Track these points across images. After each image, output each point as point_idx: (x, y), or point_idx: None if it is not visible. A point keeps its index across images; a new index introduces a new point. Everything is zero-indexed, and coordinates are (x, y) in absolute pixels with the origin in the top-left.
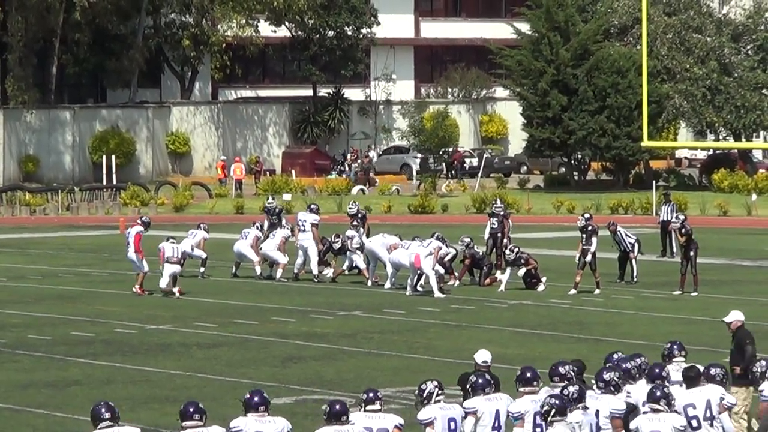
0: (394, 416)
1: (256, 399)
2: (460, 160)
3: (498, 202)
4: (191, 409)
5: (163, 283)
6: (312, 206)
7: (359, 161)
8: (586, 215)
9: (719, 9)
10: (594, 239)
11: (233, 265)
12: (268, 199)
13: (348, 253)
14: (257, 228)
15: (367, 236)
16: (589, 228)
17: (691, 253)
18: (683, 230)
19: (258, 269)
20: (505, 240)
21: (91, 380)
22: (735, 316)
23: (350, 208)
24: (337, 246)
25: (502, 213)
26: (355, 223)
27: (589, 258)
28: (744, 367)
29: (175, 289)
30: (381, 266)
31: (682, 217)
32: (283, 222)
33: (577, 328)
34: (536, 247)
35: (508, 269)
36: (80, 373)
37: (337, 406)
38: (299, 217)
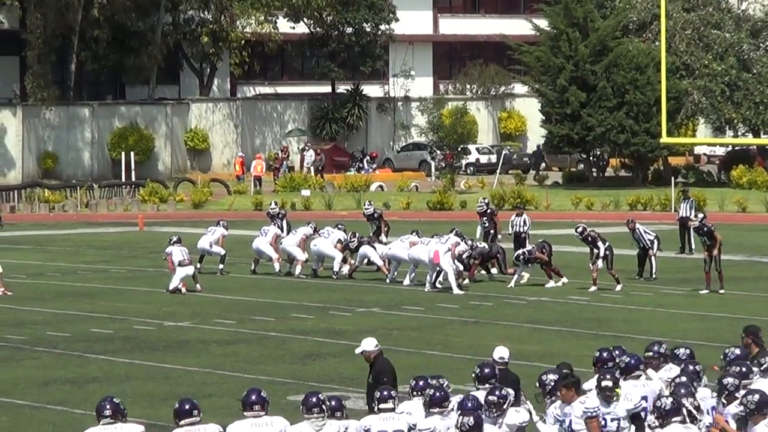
0: (406, 416)
1: (252, 398)
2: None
3: (480, 200)
4: (187, 407)
5: (172, 285)
6: (340, 226)
7: (288, 159)
8: (579, 228)
9: (738, 5)
10: (599, 244)
11: (252, 262)
12: (271, 204)
13: (363, 249)
14: (277, 226)
15: (386, 235)
16: (589, 238)
17: (715, 252)
18: (704, 229)
19: (277, 266)
20: (498, 236)
21: (109, 377)
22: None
23: (366, 209)
24: (353, 245)
25: (488, 210)
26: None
27: (600, 263)
28: None
29: (197, 286)
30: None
31: (701, 215)
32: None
33: (596, 324)
34: (555, 244)
35: (521, 268)
36: (99, 370)
37: (313, 398)
38: (327, 228)
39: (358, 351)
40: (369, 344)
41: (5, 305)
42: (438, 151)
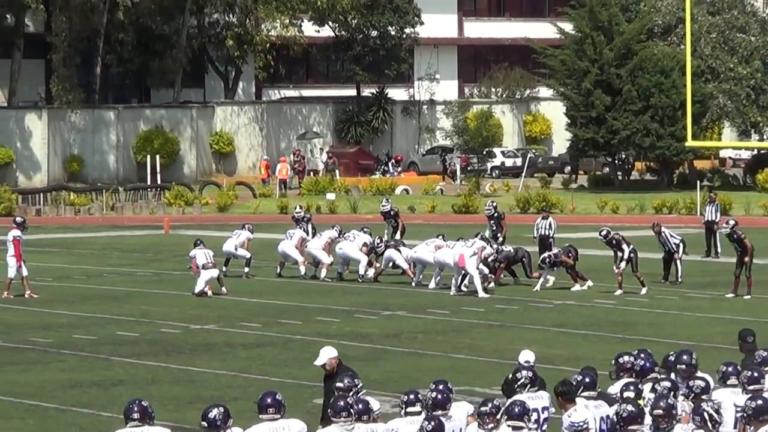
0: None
1: (268, 401)
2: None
3: (488, 203)
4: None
5: (198, 288)
6: (365, 229)
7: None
8: (603, 232)
9: (763, 8)
10: (623, 247)
11: (278, 265)
12: (296, 208)
13: (388, 252)
14: (302, 229)
15: (401, 234)
16: (613, 241)
17: (746, 260)
18: (735, 236)
19: (302, 269)
20: (501, 240)
21: (135, 380)
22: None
23: (383, 206)
24: (380, 249)
25: (496, 214)
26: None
27: (623, 266)
28: None
29: (223, 289)
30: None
31: (732, 221)
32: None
33: (621, 328)
34: (580, 247)
35: (546, 272)
36: (125, 373)
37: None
38: (352, 232)
39: (318, 362)
40: (328, 354)
41: (31, 308)
42: (451, 156)
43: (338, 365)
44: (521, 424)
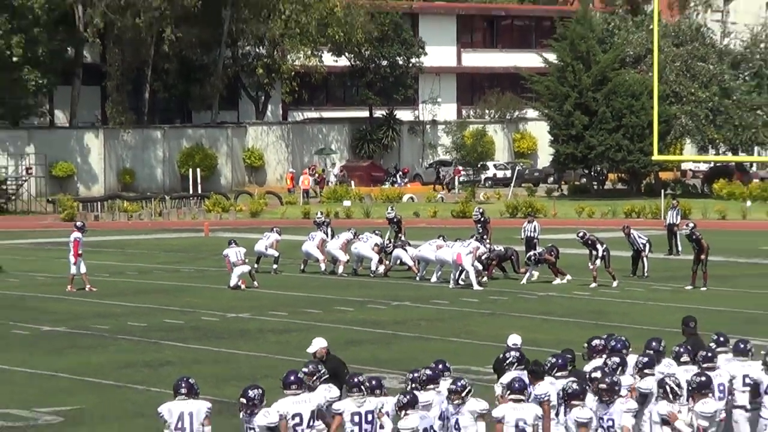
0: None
1: (291, 378)
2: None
3: (476, 209)
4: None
5: (232, 282)
6: (377, 232)
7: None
8: (580, 234)
9: (720, 40)
10: (598, 246)
11: (301, 263)
12: (317, 213)
13: (396, 251)
14: (323, 232)
15: (405, 235)
16: (589, 242)
17: (703, 257)
18: (693, 236)
19: (323, 266)
20: (487, 243)
21: (181, 361)
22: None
23: (388, 213)
24: (389, 249)
25: (482, 219)
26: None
27: (599, 263)
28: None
29: (255, 283)
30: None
31: (691, 224)
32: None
33: (596, 316)
34: (561, 247)
35: (531, 268)
36: (172, 355)
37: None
38: (365, 234)
39: (310, 350)
40: (319, 344)
41: (91, 300)
42: (446, 168)
43: (327, 353)
44: (521, 397)
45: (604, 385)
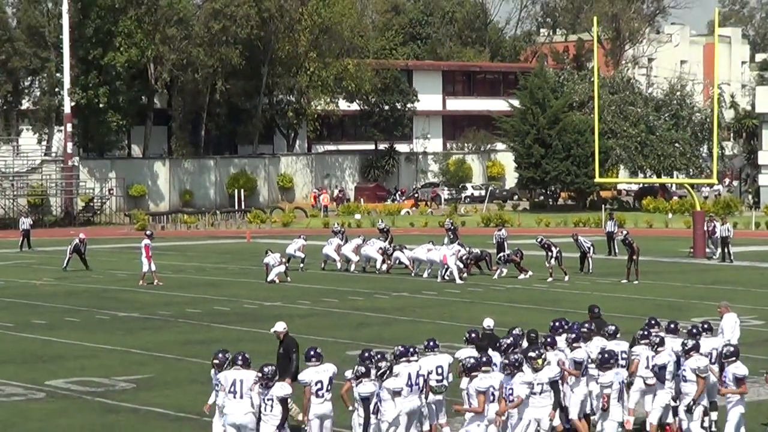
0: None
1: (311, 353)
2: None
3: (447, 220)
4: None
5: (269, 278)
6: (381, 238)
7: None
8: (538, 239)
9: (646, 89)
10: (552, 248)
11: (322, 263)
12: (334, 224)
13: (396, 253)
14: (339, 238)
15: (390, 243)
16: (545, 245)
17: (635, 257)
18: (626, 241)
19: (339, 265)
20: (460, 249)
21: (228, 339)
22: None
23: (379, 224)
24: (390, 252)
25: (452, 227)
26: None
27: (552, 262)
28: None
29: (288, 279)
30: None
31: (625, 231)
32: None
33: (552, 303)
34: (524, 249)
35: (501, 266)
36: (221, 335)
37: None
38: (372, 239)
39: (272, 330)
40: (280, 326)
41: (158, 291)
42: (426, 189)
43: (285, 335)
44: (490, 369)
45: (506, 361)
